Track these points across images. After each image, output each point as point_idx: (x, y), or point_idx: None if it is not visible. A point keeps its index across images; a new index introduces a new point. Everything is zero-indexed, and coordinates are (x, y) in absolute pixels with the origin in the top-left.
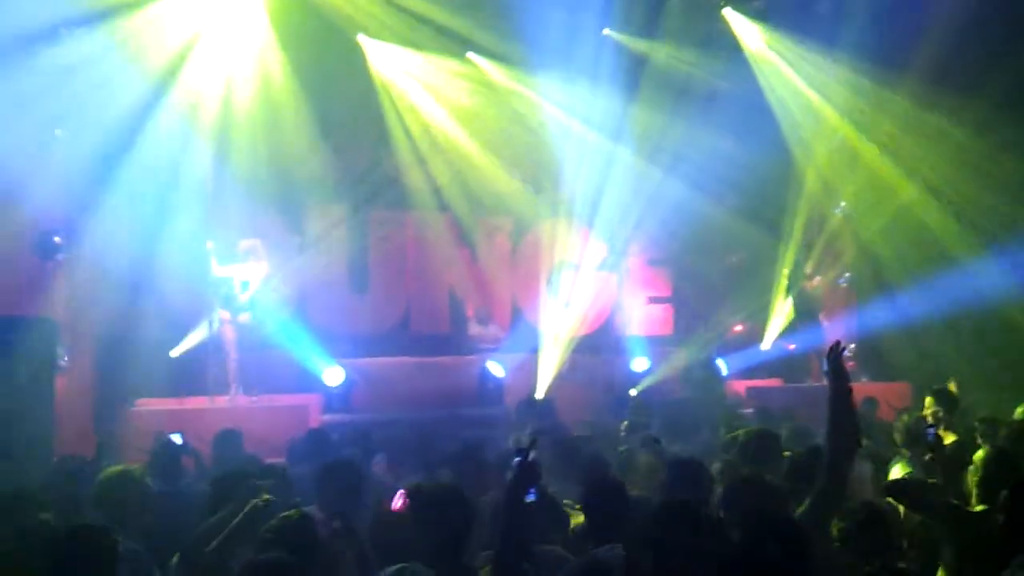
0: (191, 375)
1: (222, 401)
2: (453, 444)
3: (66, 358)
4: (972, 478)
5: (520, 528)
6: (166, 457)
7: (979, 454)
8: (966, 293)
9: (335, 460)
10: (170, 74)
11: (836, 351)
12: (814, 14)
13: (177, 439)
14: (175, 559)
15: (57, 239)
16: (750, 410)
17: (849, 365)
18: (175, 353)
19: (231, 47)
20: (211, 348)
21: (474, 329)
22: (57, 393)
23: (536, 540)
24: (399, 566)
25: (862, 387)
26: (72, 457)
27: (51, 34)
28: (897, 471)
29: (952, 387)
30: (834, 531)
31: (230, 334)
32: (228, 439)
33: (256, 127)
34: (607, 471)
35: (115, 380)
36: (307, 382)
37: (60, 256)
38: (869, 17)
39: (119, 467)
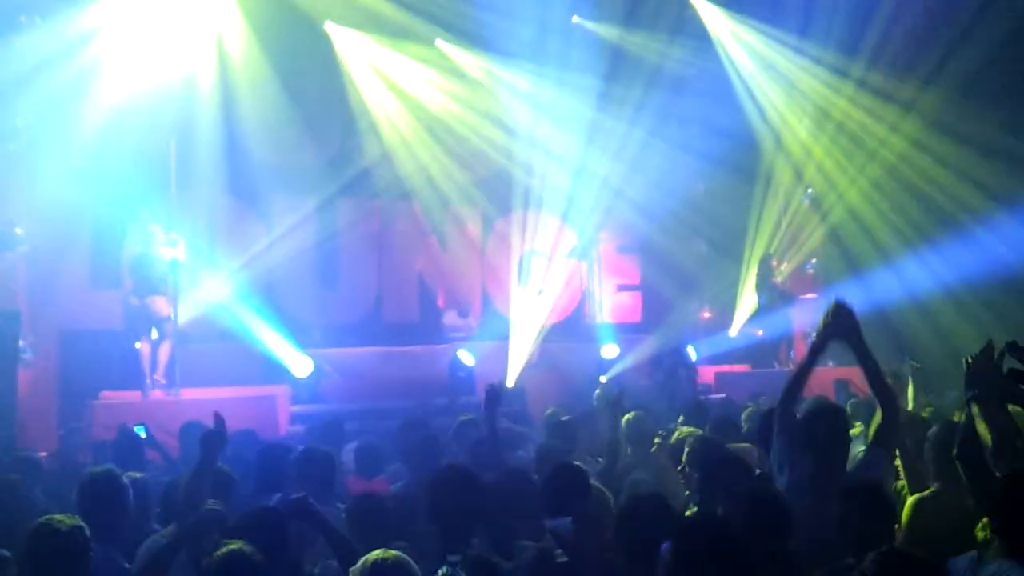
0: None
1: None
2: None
3: (29, 352)
4: (928, 455)
5: None
6: (128, 449)
7: (932, 429)
8: (933, 276)
9: (311, 449)
10: (134, 63)
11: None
12: (781, 1)
13: (141, 432)
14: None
15: (19, 231)
16: (721, 395)
17: None
18: (139, 345)
19: (197, 35)
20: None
21: (451, 319)
22: (21, 387)
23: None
24: (381, 550)
25: (830, 371)
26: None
27: (10, 23)
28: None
29: (906, 368)
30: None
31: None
32: (194, 431)
33: (222, 116)
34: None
35: (79, 373)
36: (276, 373)
37: (22, 248)
38: (835, 5)
39: (105, 466)
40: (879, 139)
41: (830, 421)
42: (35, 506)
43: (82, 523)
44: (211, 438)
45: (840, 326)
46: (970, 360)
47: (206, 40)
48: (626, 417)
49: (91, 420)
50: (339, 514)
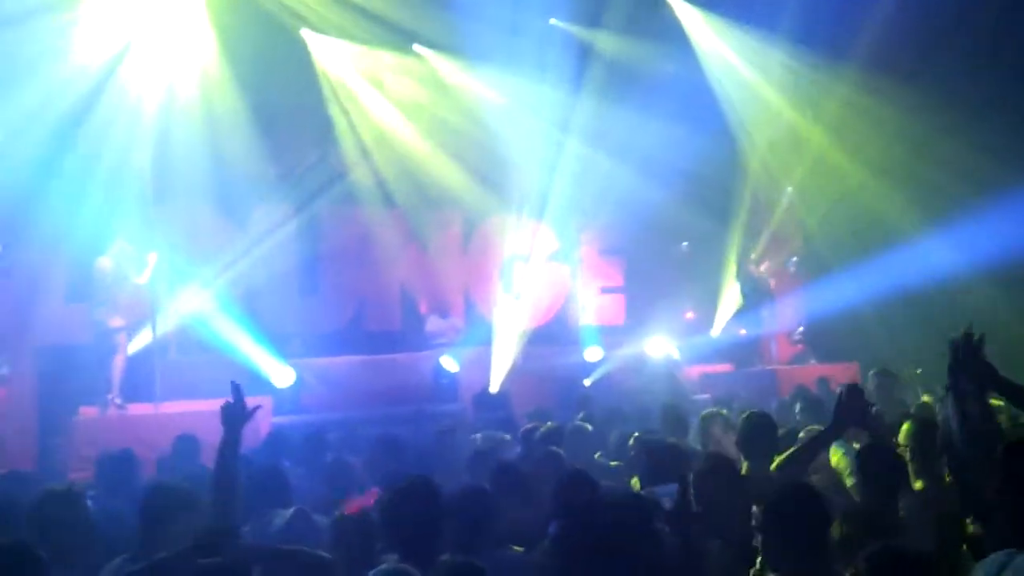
0: (135, 381)
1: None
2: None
3: (6, 367)
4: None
5: None
6: (112, 471)
7: (905, 427)
8: (911, 273)
9: (259, 466)
10: (108, 73)
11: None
12: (758, 1)
13: None
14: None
15: None
16: (705, 396)
17: (798, 348)
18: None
19: (170, 44)
20: (156, 352)
21: (433, 324)
22: None
23: (490, 544)
24: (386, 566)
25: (811, 368)
26: (11, 473)
27: None
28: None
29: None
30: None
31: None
32: (186, 445)
33: (198, 125)
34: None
35: (58, 389)
36: (257, 384)
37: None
38: (811, 3)
39: (62, 485)
40: (858, 136)
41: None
42: None
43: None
44: (232, 411)
45: (853, 411)
46: (954, 348)
47: (181, 51)
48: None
49: (71, 436)
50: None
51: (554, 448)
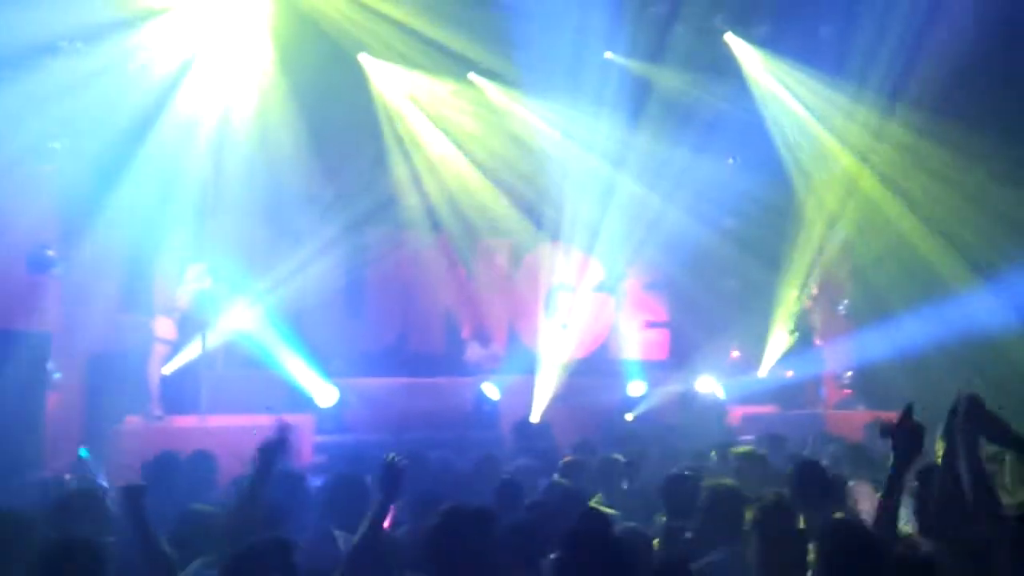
0: (181, 393)
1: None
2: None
3: (59, 373)
4: None
5: None
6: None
7: None
8: (964, 323)
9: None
10: (169, 90)
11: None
12: (816, 41)
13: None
14: None
15: (51, 252)
16: (749, 437)
17: (845, 393)
18: (166, 371)
19: (231, 64)
20: (203, 365)
21: (473, 352)
22: (49, 408)
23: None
24: None
25: (860, 414)
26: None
27: (51, 48)
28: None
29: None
30: None
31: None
32: (202, 461)
33: (254, 144)
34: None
35: (105, 397)
36: (301, 401)
37: (54, 270)
38: (871, 45)
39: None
40: (913, 181)
41: None
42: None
43: None
44: (270, 448)
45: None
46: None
47: (240, 68)
48: None
49: (114, 445)
50: None
51: (568, 485)
